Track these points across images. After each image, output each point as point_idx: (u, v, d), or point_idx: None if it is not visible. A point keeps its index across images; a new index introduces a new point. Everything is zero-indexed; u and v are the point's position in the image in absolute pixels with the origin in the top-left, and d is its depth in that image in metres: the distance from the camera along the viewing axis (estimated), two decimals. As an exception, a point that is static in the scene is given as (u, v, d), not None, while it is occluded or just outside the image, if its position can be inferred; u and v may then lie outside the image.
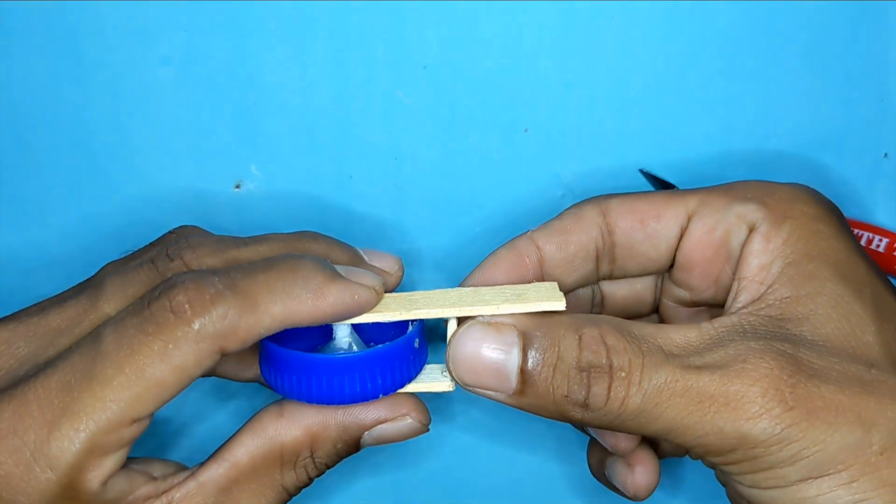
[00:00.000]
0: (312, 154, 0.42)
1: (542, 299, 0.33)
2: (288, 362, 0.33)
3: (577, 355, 0.32)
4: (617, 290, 0.39)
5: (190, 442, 0.44)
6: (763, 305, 0.33)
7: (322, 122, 0.41)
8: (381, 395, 0.33)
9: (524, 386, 0.32)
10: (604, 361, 0.32)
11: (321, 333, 0.35)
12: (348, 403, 0.33)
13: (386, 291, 0.34)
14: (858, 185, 0.43)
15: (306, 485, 0.35)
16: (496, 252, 0.37)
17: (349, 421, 0.34)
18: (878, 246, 0.43)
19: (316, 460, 0.34)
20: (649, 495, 0.38)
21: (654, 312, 0.40)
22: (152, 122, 0.41)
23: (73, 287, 0.35)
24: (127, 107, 0.41)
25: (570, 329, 0.32)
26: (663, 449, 0.40)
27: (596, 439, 0.38)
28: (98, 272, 0.35)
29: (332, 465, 0.35)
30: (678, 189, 0.37)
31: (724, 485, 0.34)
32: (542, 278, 0.36)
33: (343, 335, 0.34)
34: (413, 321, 0.34)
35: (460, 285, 0.36)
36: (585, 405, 0.32)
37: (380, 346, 0.33)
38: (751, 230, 0.34)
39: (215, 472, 0.33)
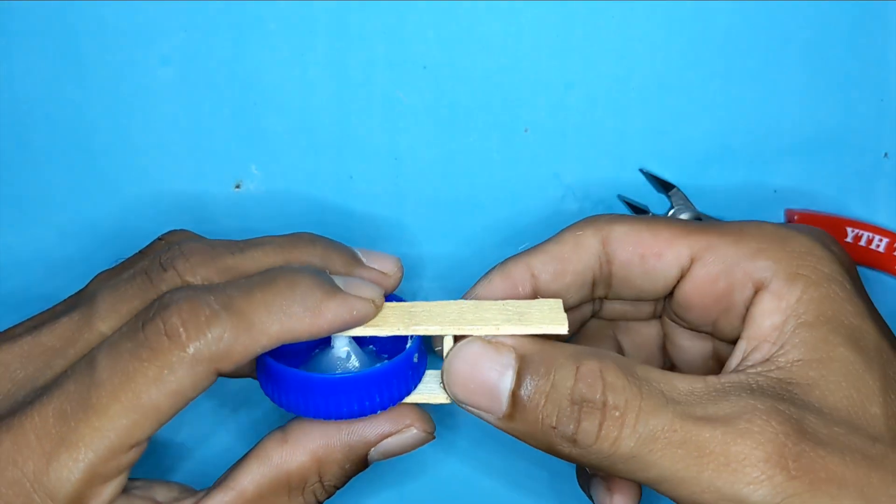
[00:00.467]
0: (312, 154, 0.42)
1: (545, 322, 0.33)
2: (286, 379, 0.32)
3: (571, 386, 0.31)
4: (615, 301, 0.39)
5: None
6: (773, 367, 0.32)
7: (322, 122, 0.41)
8: (379, 412, 0.33)
9: (514, 410, 0.31)
10: (598, 397, 0.30)
11: (319, 339, 0.35)
12: (346, 419, 0.33)
13: (385, 293, 0.34)
14: (858, 185, 0.43)
15: None
16: (490, 276, 0.36)
17: (354, 440, 0.34)
18: (878, 246, 0.43)
19: (325, 484, 0.34)
20: None
21: (654, 318, 0.39)
22: (152, 123, 0.41)
23: (64, 301, 0.34)
24: (127, 107, 0.41)
25: (570, 359, 0.31)
26: None
27: None
28: (90, 284, 0.34)
29: (342, 486, 0.34)
30: (685, 221, 0.36)
31: None
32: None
33: (341, 344, 0.34)
34: (410, 338, 0.34)
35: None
36: (573, 440, 0.31)
37: (378, 365, 0.33)
38: (758, 289, 0.33)
39: (221, 501, 0.33)
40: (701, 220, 0.42)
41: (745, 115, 0.42)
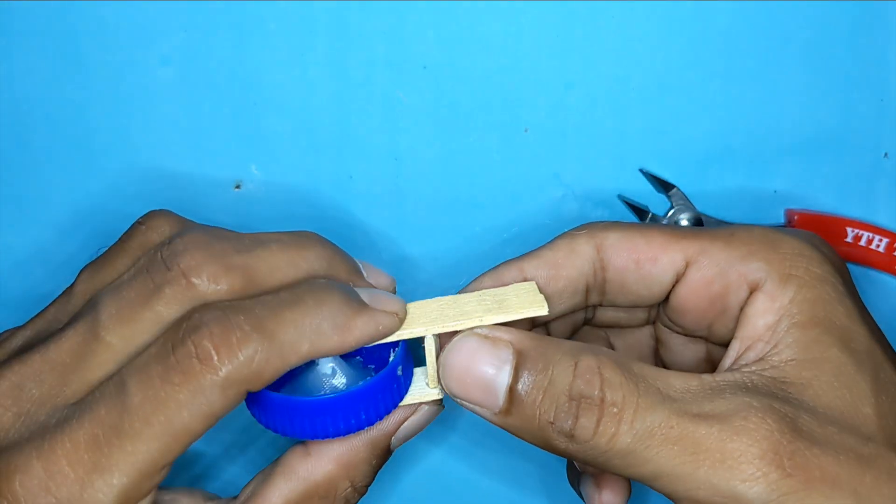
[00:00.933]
0: (312, 154, 0.42)
1: (525, 306, 0.33)
2: (269, 404, 0.32)
3: (569, 382, 0.31)
4: (608, 308, 0.39)
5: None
6: (767, 366, 0.32)
7: (322, 122, 0.41)
8: (366, 427, 0.33)
9: (511, 405, 0.32)
10: (596, 393, 0.31)
11: None
12: (333, 438, 0.33)
13: None
14: (858, 185, 0.43)
15: None
16: (482, 279, 0.36)
17: (375, 435, 0.34)
18: (878, 246, 0.43)
19: (356, 486, 0.34)
20: None
21: (647, 324, 0.39)
22: (152, 123, 0.41)
23: (54, 302, 0.34)
24: (127, 107, 0.41)
25: (568, 355, 0.32)
26: None
27: None
28: (77, 280, 0.33)
29: (372, 482, 0.34)
30: (678, 226, 0.36)
31: None
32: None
33: (326, 360, 0.33)
34: (394, 346, 0.34)
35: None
36: (571, 435, 0.31)
37: (361, 383, 0.33)
38: (752, 290, 0.33)
39: None
40: (701, 220, 0.42)
41: (745, 115, 0.42)
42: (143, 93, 0.41)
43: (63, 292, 0.34)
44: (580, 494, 0.38)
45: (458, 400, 0.33)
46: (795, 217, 0.43)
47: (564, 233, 0.36)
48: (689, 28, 0.41)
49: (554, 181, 0.43)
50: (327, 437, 0.32)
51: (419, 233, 0.43)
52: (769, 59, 0.42)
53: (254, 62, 0.41)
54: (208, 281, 0.31)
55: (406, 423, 0.34)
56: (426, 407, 0.34)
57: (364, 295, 0.32)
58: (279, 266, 0.32)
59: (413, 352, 0.35)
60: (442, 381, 0.33)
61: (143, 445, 0.29)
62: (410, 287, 0.43)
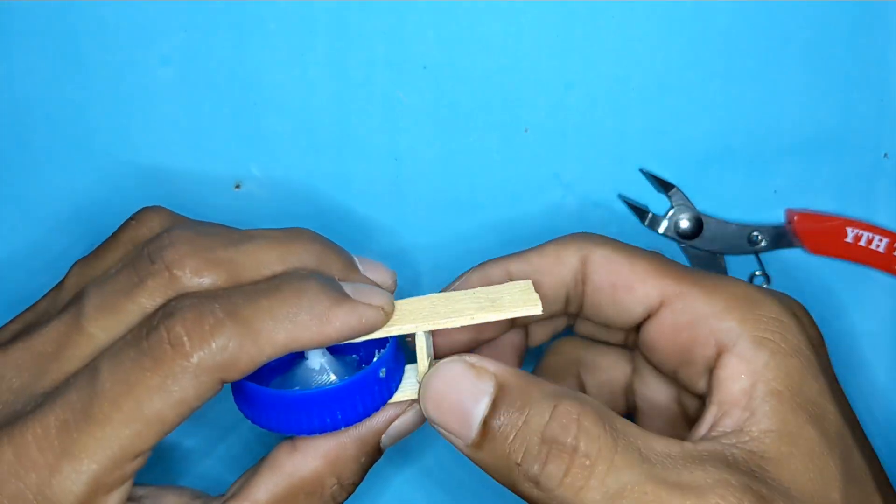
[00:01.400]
0: (312, 154, 0.42)
1: (518, 305, 0.32)
2: (244, 391, 0.32)
3: (543, 424, 0.30)
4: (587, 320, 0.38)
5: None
6: (746, 438, 0.31)
7: (322, 122, 0.41)
8: (343, 427, 0.32)
9: (483, 440, 0.31)
10: (569, 440, 0.29)
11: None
12: (308, 434, 0.32)
13: None
14: (858, 185, 0.43)
15: None
16: (468, 275, 0.36)
17: (364, 432, 0.33)
18: (878, 246, 0.43)
19: (344, 483, 0.33)
20: None
21: (625, 347, 0.39)
22: (152, 122, 0.41)
23: (45, 296, 0.34)
24: (127, 107, 0.41)
25: (549, 396, 0.30)
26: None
27: None
28: (68, 274, 0.33)
29: (361, 481, 0.34)
30: (667, 259, 0.35)
31: None
32: None
33: (315, 356, 0.33)
34: (381, 347, 0.33)
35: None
36: (536, 481, 0.30)
37: (338, 382, 0.32)
38: (721, 350, 0.32)
39: None
40: (701, 220, 0.42)
41: (745, 115, 0.42)
42: (143, 93, 0.41)
43: (54, 286, 0.34)
44: None
45: (434, 425, 0.32)
46: (795, 217, 0.43)
47: (555, 239, 0.36)
48: (689, 28, 0.41)
49: (554, 181, 0.43)
50: (302, 433, 0.32)
51: (419, 232, 0.43)
52: (769, 59, 0.42)
53: (254, 62, 0.41)
54: (191, 274, 0.31)
55: (396, 421, 0.33)
56: (418, 406, 0.33)
57: (348, 288, 0.32)
58: (266, 261, 0.32)
59: (409, 352, 0.35)
60: (420, 404, 0.32)
61: (114, 431, 0.29)
62: (410, 287, 0.43)
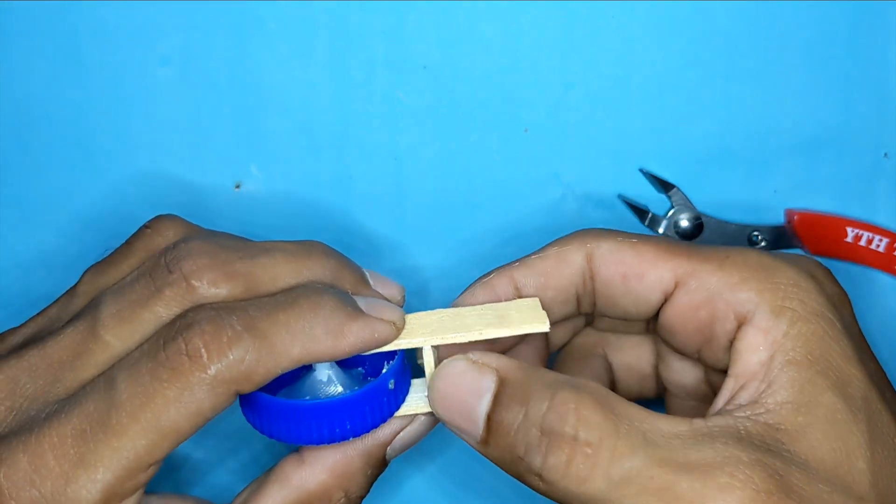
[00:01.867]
0: (312, 154, 0.42)
1: (526, 322, 0.32)
2: (256, 403, 0.32)
3: (542, 415, 0.30)
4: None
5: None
6: (762, 410, 0.30)
7: (322, 122, 0.41)
8: (351, 438, 0.32)
9: (489, 435, 0.31)
10: (568, 430, 0.29)
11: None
12: (317, 445, 0.32)
13: None
14: (858, 185, 0.43)
15: None
16: (472, 289, 0.36)
17: (370, 445, 0.33)
18: (878, 246, 0.43)
19: (351, 496, 0.33)
20: None
21: (646, 334, 0.38)
22: (152, 123, 0.41)
23: (57, 301, 0.34)
24: (127, 107, 0.41)
25: (547, 386, 0.30)
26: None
27: None
28: (81, 280, 0.34)
29: (367, 494, 0.34)
30: (673, 240, 0.35)
31: None
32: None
33: (323, 367, 0.33)
34: (389, 358, 0.33)
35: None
36: (539, 474, 0.29)
37: (348, 392, 0.32)
38: (741, 322, 0.32)
39: None
40: (701, 220, 0.42)
41: (745, 115, 0.42)
42: (143, 93, 0.41)
43: (66, 292, 0.34)
44: None
45: (446, 424, 0.32)
46: (795, 217, 0.43)
47: (556, 240, 0.36)
48: (689, 28, 0.41)
49: (554, 181, 0.43)
50: (311, 442, 0.32)
51: (419, 232, 0.43)
52: (769, 59, 0.42)
53: (254, 62, 0.41)
54: (208, 285, 0.31)
55: (401, 433, 0.34)
56: (422, 418, 0.34)
57: (361, 302, 0.32)
58: (281, 274, 0.32)
59: (415, 365, 0.35)
60: (430, 403, 0.32)
61: (130, 441, 0.29)
62: (409, 286, 0.43)
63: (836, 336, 0.31)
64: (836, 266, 0.43)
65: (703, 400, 0.37)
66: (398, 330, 0.32)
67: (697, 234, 0.42)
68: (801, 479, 0.29)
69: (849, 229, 0.43)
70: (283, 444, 0.33)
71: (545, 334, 0.38)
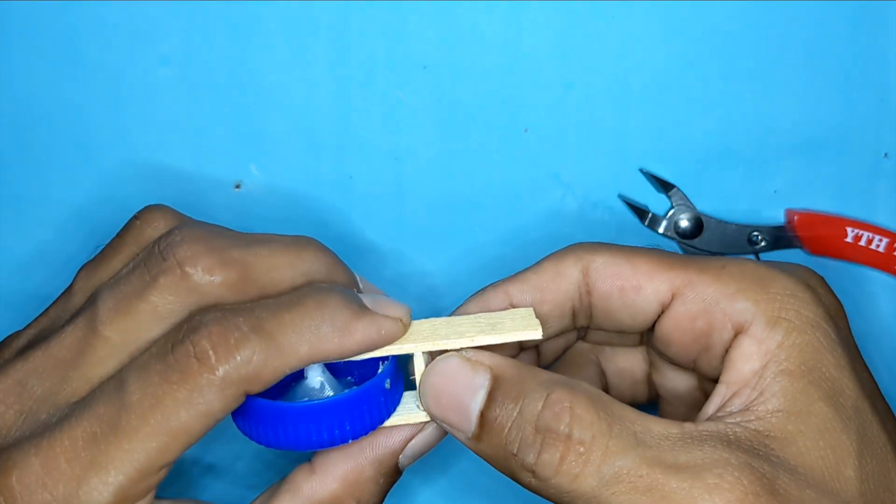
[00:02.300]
0: (312, 154, 0.42)
1: (518, 329, 0.32)
2: (251, 409, 0.32)
3: (536, 413, 0.30)
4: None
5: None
6: (752, 417, 0.30)
7: (322, 122, 0.41)
8: (350, 440, 0.32)
9: (482, 432, 0.31)
10: (562, 428, 0.29)
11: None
12: (315, 449, 0.32)
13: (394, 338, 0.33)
14: (858, 185, 0.43)
15: None
16: (467, 304, 0.36)
17: (380, 453, 0.33)
18: (878, 246, 0.43)
19: None
20: None
21: (640, 345, 0.39)
22: (152, 123, 0.41)
23: (55, 303, 0.34)
24: (127, 107, 0.41)
25: (542, 386, 0.31)
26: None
27: None
28: (75, 279, 0.34)
29: (381, 502, 0.34)
30: (667, 252, 0.35)
31: None
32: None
33: (314, 374, 0.33)
34: (383, 359, 0.33)
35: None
36: (532, 471, 0.30)
37: (346, 392, 0.32)
38: (738, 331, 0.32)
39: None
40: (701, 220, 0.42)
41: (745, 115, 0.42)
42: (143, 93, 0.41)
43: (63, 292, 0.34)
44: None
45: (436, 420, 0.32)
46: (795, 217, 0.43)
47: (551, 254, 0.36)
48: (689, 28, 0.41)
49: (554, 181, 0.43)
50: (310, 447, 0.32)
51: (419, 233, 0.43)
52: (769, 59, 0.42)
53: (254, 62, 0.41)
54: (203, 272, 0.31)
55: (413, 441, 0.33)
56: (435, 424, 0.33)
57: (367, 300, 0.32)
58: (276, 265, 0.32)
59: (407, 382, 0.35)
60: (421, 399, 0.32)
61: (141, 444, 0.29)
62: (409, 287, 0.43)
63: (831, 346, 0.32)
64: (836, 266, 0.43)
65: (696, 406, 0.37)
66: (405, 327, 0.32)
67: (697, 234, 0.42)
68: (788, 484, 0.29)
69: (849, 229, 0.43)
70: (283, 452, 0.33)
71: (537, 349, 0.38)
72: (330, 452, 0.33)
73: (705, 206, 0.42)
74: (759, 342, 0.32)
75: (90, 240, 0.41)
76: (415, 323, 0.34)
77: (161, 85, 0.41)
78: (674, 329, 0.34)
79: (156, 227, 0.34)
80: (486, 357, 0.32)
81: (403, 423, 0.33)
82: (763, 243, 0.43)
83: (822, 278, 0.34)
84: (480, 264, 0.43)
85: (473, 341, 0.32)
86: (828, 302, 0.33)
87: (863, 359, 0.33)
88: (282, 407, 0.32)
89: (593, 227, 0.42)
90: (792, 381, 0.31)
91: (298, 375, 0.33)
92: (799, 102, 0.42)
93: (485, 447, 0.31)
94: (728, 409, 0.31)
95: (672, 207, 0.42)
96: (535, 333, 0.32)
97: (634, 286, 0.34)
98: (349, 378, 0.35)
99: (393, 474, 0.34)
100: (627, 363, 0.39)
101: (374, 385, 0.32)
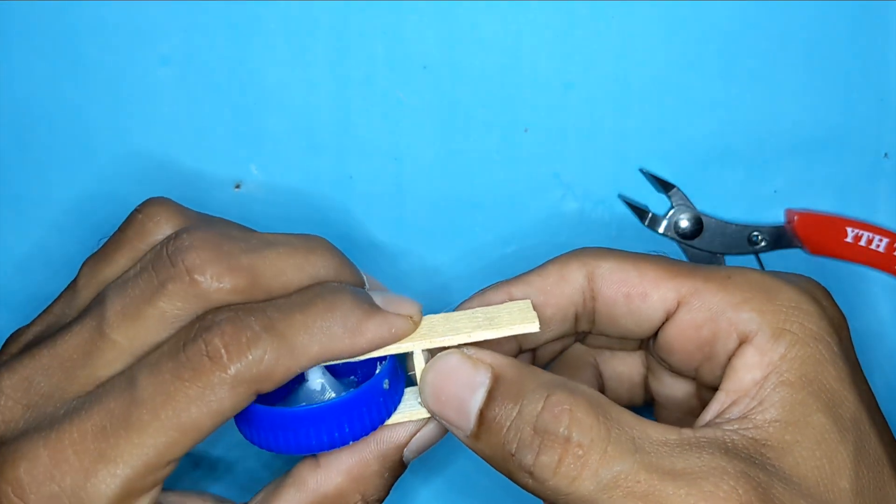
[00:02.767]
0: (312, 154, 0.42)
1: (515, 322, 0.32)
2: (253, 415, 0.32)
3: (536, 414, 0.30)
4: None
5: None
6: (749, 425, 0.31)
7: (322, 122, 0.41)
8: (351, 442, 0.32)
9: (480, 430, 0.31)
10: (562, 431, 0.29)
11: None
12: (316, 452, 0.32)
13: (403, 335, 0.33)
14: (858, 185, 0.43)
15: None
16: (467, 303, 0.35)
17: (385, 447, 0.33)
18: (878, 246, 0.43)
19: (368, 499, 0.33)
20: None
21: (639, 350, 0.39)
22: (152, 122, 0.41)
23: (59, 299, 0.34)
24: (127, 107, 0.41)
25: (542, 387, 0.31)
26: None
27: None
28: (79, 274, 0.34)
29: (386, 496, 0.34)
30: (672, 259, 0.35)
31: None
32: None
33: (315, 377, 0.33)
34: (381, 359, 0.33)
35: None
36: (530, 472, 0.30)
37: (344, 394, 0.32)
38: (742, 341, 0.32)
39: None
40: (701, 220, 0.42)
41: (745, 115, 0.42)
42: (143, 93, 0.41)
43: (66, 287, 0.34)
44: None
45: (436, 417, 0.32)
46: (795, 217, 0.43)
47: (556, 257, 0.36)
48: (689, 28, 0.41)
49: (554, 181, 0.43)
50: (311, 450, 0.32)
51: (419, 233, 0.43)
52: (769, 59, 0.42)
53: (254, 62, 0.41)
54: (212, 279, 0.31)
55: (418, 434, 0.33)
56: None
57: (377, 298, 0.32)
58: (285, 269, 0.32)
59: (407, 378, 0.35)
60: (420, 395, 0.32)
61: (150, 438, 0.29)
62: (409, 286, 0.43)
63: (833, 359, 0.32)
64: (836, 266, 0.43)
65: (692, 412, 0.37)
66: (415, 324, 0.32)
67: (697, 234, 0.42)
68: (783, 493, 0.29)
69: (849, 229, 0.43)
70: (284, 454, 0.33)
71: (532, 354, 0.38)
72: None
73: (705, 206, 0.42)
74: (763, 353, 0.32)
75: (90, 240, 0.41)
76: None
77: (161, 85, 0.41)
78: (678, 337, 0.34)
79: (157, 222, 0.34)
80: (487, 355, 0.32)
81: (406, 420, 0.33)
82: (763, 243, 0.43)
83: (827, 290, 0.34)
84: (480, 264, 0.43)
85: (471, 337, 0.32)
86: (832, 314, 0.33)
87: (862, 372, 0.33)
88: (279, 412, 0.32)
89: (593, 227, 0.42)
90: (792, 392, 0.31)
91: (300, 378, 0.33)
92: (799, 102, 0.42)
93: (483, 446, 0.31)
94: (727, 416, 0.31)
95: (672, 207, 0.42)
96: (533, 327, 0.32)
97: (640, 293, 0.34)
98: (352, 377, 0.35)
99: (398, 468, 0.34)
100: (625, 367, 0.39)
101: (371, 386, 0.32)
